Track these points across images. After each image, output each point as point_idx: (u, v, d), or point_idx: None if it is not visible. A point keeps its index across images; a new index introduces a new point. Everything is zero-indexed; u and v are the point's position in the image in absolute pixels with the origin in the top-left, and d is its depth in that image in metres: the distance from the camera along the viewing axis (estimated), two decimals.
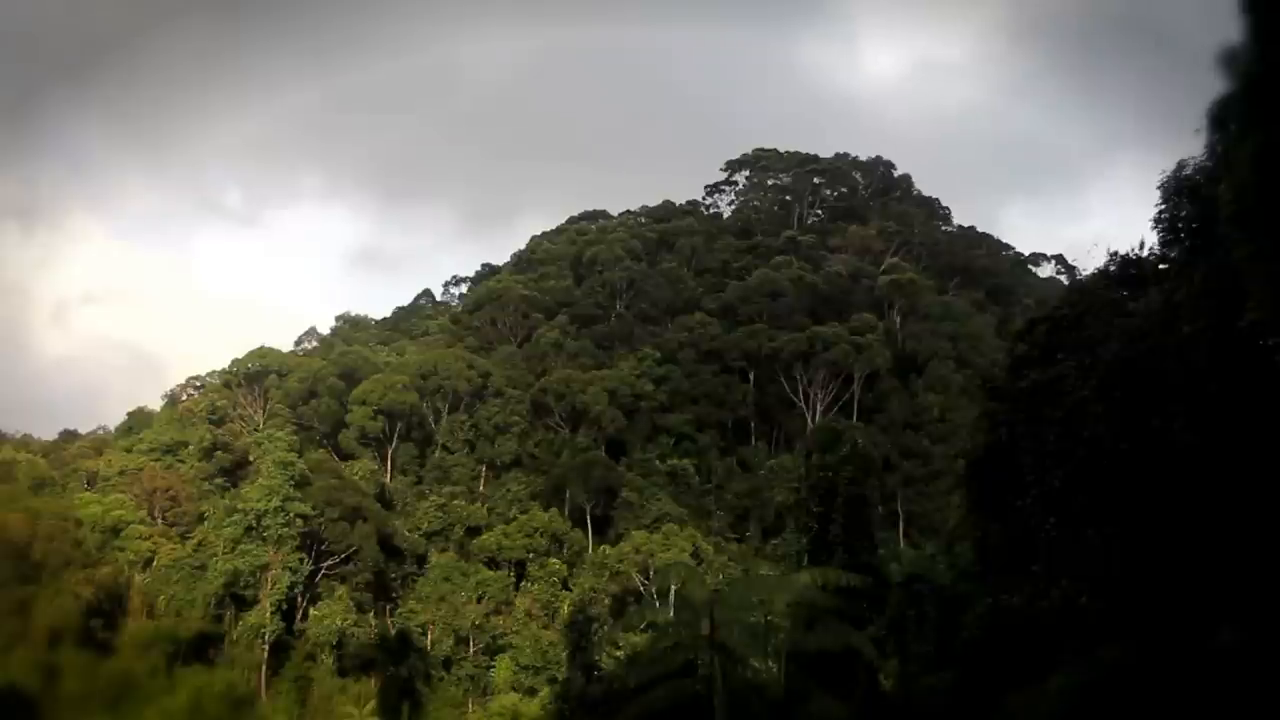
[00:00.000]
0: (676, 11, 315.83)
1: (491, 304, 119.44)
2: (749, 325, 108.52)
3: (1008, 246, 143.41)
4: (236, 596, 76.35)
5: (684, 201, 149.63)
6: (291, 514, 76.87)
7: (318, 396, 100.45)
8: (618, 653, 69.03)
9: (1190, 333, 19.52)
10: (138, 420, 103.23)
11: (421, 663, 78.25)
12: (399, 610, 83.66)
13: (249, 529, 76.84)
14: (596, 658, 70.59)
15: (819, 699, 29.71)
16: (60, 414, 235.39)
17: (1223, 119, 18.24)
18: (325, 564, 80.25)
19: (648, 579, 78.31)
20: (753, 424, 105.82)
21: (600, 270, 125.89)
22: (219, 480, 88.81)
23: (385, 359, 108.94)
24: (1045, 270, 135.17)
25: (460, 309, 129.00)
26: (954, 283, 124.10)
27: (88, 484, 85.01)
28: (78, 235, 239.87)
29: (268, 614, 74.86)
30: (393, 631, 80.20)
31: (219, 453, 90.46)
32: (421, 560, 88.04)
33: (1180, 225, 22.36)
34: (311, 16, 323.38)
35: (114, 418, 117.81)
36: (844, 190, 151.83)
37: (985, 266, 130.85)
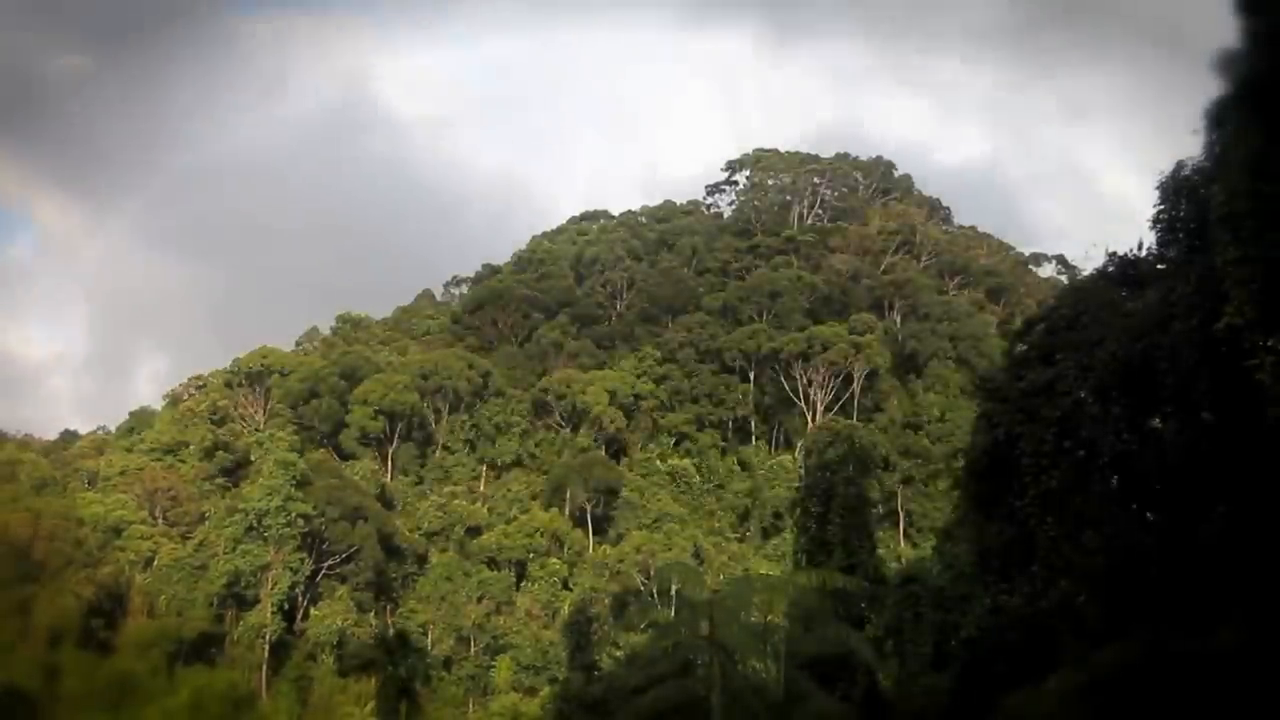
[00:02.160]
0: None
1: (492, 304, 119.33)
2: (749, 325, 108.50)
3: (1008, 246, 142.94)
4: (237, 596, 76.43)
5: (684, 201, 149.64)
6: (293, 514, 76.91)
7: (319, 396, 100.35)
8: (618, 653, 69.15)
9: (1182, 331, 19.57)
10: (139, 420, 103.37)
11: (421, 663, 78.24)
12: (399, 610, 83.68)
13: (250, 529, 76.89)
14: (596, 658, 70.79)
15: (818, 700, 29.72)
16: (61, 414, 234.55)
17: (1221, 120, 18.29)
18: (326, 564, 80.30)
19: (648, 579, 78.42)
20: (753, 424, 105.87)
21: (600, 270, 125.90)
22: (220, 480, 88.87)
23: (386, 359, 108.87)
24: (1045, 270, 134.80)
25: (460, 309, 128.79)
26: (954, 283, 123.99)
27: (89, 484, 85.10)
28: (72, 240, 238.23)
29: (268, 614, 74.91)
30: (392, 631, 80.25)
31: (220, 452, 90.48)
32: (422, 560, 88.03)
33: (1178, 225, 22.43)
34: None
35: (115, 418, 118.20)
36: (844, 190, 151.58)
37: (985, 266, 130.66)
